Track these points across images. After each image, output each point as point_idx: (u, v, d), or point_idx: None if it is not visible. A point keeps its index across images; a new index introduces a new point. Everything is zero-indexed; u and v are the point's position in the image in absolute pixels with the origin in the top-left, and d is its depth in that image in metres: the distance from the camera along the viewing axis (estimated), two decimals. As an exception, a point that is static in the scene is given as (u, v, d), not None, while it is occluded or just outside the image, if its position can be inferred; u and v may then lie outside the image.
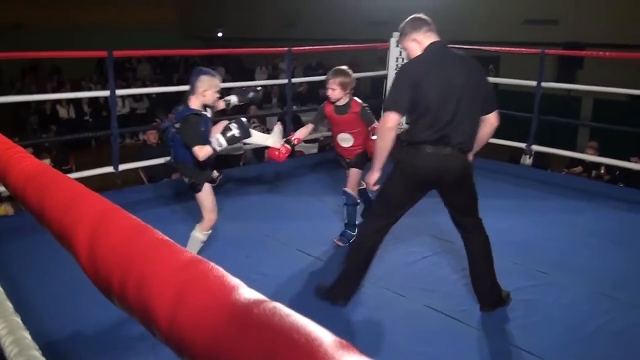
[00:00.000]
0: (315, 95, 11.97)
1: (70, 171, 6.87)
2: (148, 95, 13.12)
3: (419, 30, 3.01)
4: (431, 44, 2.97)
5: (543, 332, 3.02)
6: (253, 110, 9.43)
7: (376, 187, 3.14)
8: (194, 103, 3.33)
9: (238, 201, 5.04)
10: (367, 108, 4.02)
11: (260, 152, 7.56)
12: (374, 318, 3.15)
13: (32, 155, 0.75)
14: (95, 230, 0.41)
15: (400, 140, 3.06)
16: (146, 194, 5.18)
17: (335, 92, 3.90)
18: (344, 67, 3.97)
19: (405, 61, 3.01)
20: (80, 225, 0.42)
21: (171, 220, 4.38)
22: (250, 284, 0.38)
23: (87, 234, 0.41)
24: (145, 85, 14.39)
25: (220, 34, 18.82)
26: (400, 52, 6.89)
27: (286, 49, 6.15)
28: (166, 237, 0.40)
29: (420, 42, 3.00)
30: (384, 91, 7.10)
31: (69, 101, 12.53)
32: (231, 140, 3.22)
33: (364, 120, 3.98)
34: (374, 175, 3.09)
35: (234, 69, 16.03)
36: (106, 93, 5.15)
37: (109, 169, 5.03)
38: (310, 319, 0.34)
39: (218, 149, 3.23)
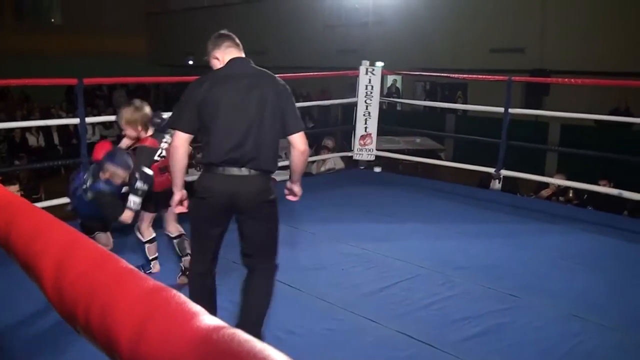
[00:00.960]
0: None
1: (39, 200, 6.77)
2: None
3: (219, 47, 2.92)
4: (230, 60, 2.87)
5: (515, 356, 3.04)
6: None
7: (178, 209, 2.92)
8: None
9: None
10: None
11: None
12: (346, 344, 3.13)
13: (0, 183, 0.75)
14: (61, 260, 0.41)
15: (196, 165, 2.99)
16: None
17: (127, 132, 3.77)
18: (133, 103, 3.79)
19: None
20: (46, 255, 0.42)
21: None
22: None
23: (53, 263, 0.41)
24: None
25: (191, 62, 18.83)
26: (370, 79, 6.99)
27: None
28: (130, 266, 0.40)
29: (220, 59, 2.90)
30: (354, 118, 7.16)
31: (39, 129, 12.38)
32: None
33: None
34: (175, 197, 2.87)
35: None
36: (76, 120, 5.11)
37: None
38: (269, 345, 0.35)
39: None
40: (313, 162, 8.11)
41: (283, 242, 4.61)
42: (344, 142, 9.92)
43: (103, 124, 13.15)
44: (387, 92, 13.82)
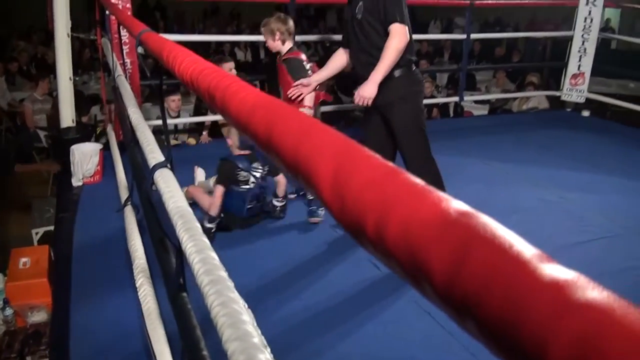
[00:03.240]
0: (490, 53, 11.39)
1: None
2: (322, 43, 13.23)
3: None
4: None
5: None
6: (424, 66, 9.22)
7: (366, 101, 3.08)
8: None
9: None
10: (294, 60, 3.66)
11: (429, 108, 7.40)
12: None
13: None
14: (340, 164, 0.38)
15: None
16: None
17: (268, 42, 3.74)
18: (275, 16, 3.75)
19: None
20: (320, 157, 0.40)
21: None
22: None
23: (331, 167, 0.39)
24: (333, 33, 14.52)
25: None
26: (590, 11, 6.32)
27: (468, 2, 5.87)
28: (422, 183, 0.36)
29: None
30: (567, 55, 6.57)
31: (247, 45, 13.05)
32: None
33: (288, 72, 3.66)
34: (374, 89, 3.04)
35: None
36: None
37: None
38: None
39: None
40: (515, 98, 7.67)
41: (475, 178, 4.54)
42: (550, 79, 9.21)
43: (306, 44, 13.47)
44: (602, 28, 12.45)
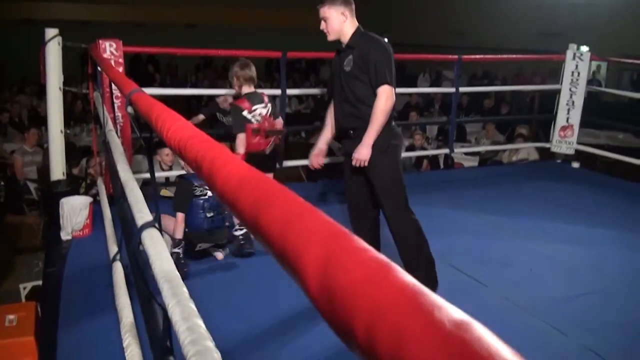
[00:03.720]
0: (479, 105, 11.55)
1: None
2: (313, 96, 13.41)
3: (351, 6, 3.21)
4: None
5: None
6: (414, 118, 9.32)
7: (363, 163, 3.13)
8: None
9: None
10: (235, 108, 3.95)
11: (419, 160, 7.44)
12: (527, 353, 2.92)
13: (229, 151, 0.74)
14: (329, 257, 0.37)
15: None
16: (307, 191, 5.29)
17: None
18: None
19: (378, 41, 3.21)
20: (309, 248, 0.38)
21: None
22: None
23: (319, 260, 0.37)
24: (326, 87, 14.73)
25: (386, 39, 18.84)
26: (577, 65, 6.44)
27: (456, 56, 5.98)
28: (415, 284, 0.34)
29: (347, 18, 3.19)
30: (555, 108, 6.65)
31: (239, 97, 13.14)
32: None
33: None
34: (368, 151, 3.09)
35: (397, 74, 15.95)
36: (277, 92, 5.33)
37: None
38: None
39: None
40: (505, 150, 7.73)
41: (467, 230, 4.52)
42: (539, 130, 9.31)
43: (298, 97, 13.62)
44: (589, 81, 12.68)
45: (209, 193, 3.60)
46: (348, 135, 3.33)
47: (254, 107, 3.88)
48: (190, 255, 3.69)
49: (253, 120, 3.85)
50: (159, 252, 1.32)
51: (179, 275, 1.26)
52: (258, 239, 0.52)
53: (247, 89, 3.95)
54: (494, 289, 3.52)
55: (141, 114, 1.41)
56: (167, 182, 5.61)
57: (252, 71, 3.97)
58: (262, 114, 3.92)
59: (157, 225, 1.48)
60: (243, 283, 3.56)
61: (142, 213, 1.58)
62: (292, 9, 20.18)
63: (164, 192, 5.52)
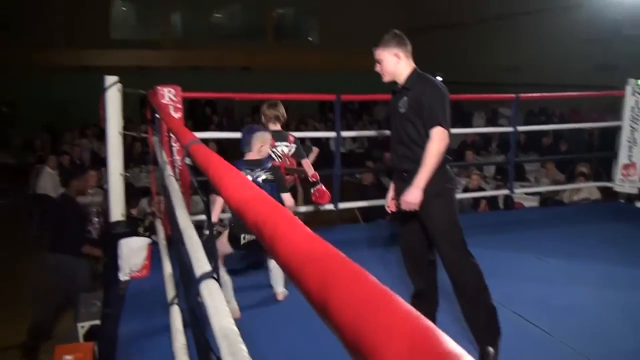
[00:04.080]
0: (537, 142, 11.29)
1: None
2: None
3: (405, 47, 3.18)
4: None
5: None
6: (470, 157, 9.18)
7: (413, 207, 3.05)
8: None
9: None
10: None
11: (476, 200, 7.28)
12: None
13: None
14: (413, 356, 0.33)
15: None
16: (363, 232, 5.24)
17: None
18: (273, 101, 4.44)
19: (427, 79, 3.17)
20: (388, 343, 0.35)
21: (388, 261, 4.36)
22: None
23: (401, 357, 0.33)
24: (380, 127, 14.80)
25: (440, 78, 18.79)
26: (636, 100, 6.23)
27: (514, 95, 5.87)
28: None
29: (401, 58, 3.16)
30: (616, 145, 6.43)
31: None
32: None
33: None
34: (419, 194, 3.01)
35: (453, 113, 15.82)
36: (332, 134, 5.35)
37: (329, 206, 5.17)
38: None
39: None
40: (565, 190, 7.50)
41: (529, 275, 4.35)
42: (600, 168, 9.01)
43: (353, 138, 13.70)
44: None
45: (259, 179, 3.62)
46: (402, 177, 3.27)
47: (276, 144, 4.18)
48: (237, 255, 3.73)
49: (274, 156, 4.15)
50: (217, 306, 1.30)
51: (237, 332, 1.23)
52: (325, 323, 0.48)
53: (272, 126, 4.30)
54: (560, 339, 3.36)
55: (199, 166, 1.41)
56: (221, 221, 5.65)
57: (278, 110, 4.35)
58: (283, 152, 4.25)
59: (215, 275, 1.46)
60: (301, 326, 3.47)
61: (200, 262, 1.57)
62: (346, 52, 20.48)
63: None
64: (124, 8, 22.10)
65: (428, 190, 3.04)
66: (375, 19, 18.88)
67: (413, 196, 3.02)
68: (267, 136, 3.67)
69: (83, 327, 4.84)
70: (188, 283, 1.85)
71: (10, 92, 18.41)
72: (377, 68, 3.20)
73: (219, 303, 1.31)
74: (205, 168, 1.22)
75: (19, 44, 18.30)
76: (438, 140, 3.02)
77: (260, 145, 3.60)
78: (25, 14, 18.59)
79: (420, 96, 3.08)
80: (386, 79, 3.22)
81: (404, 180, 3.20)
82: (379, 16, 19.42)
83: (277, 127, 4.32)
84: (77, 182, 6.09)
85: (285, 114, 4.52)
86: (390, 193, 3.41)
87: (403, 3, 22.01)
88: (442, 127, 3.03)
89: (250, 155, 3.62)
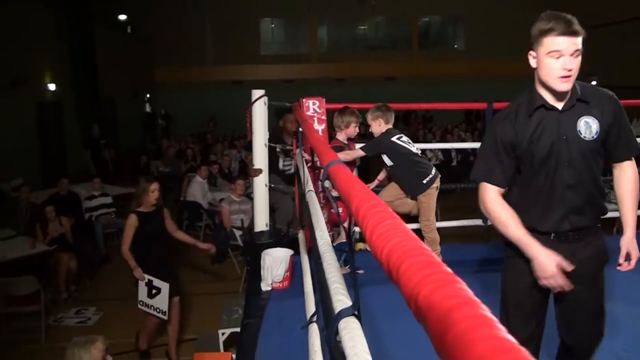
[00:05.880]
0: None
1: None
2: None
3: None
4: None
5: None
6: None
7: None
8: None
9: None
10: None
11: None
12: None
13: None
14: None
15: None
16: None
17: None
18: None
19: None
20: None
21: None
22: None
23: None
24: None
25: (594, 82, 17.50)
26: None
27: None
28: None
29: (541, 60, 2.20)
30: None
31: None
32: None
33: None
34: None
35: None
36: (476, 145, 5.08)
37: (477, 222, 4.88)
38: None
39: None
40: None
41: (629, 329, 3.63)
42: None
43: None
44: None
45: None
46: (565, 237, 2.29)
47: None
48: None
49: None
50: (356, 348, 1.18)
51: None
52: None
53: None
54: None
55: (338, 190, 1.30)
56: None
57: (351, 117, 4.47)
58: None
59: (356, 312, 1.34)
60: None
61: (339, 295, 1.46)
62: (492, 58, 19.76)
63: (359, 246, 5.47)
64: (272, 25, 23.06)
65: (605, 253, 2.33)
66: (522, 22, 17.95)
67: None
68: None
69: (224, 334, 4.97)
70: (327, 313, 1.75)
71: (166, 106, 20.08)
72: (570, 65, 2.12)
73: (359, 345, 1.19)
74: (347, 198, 1.11)
75: (175, 61, 19.92)
76: (636, 172, 2.28)
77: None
78: (180, 34, 20.13)
79: (609, 112, 2.21)
80: (570, 86, 2.18)
81: (569, 241, 2.28)
82: (526, 19, 18.47)
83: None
84: None
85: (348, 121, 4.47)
86: (554, 257, 2.11)
87: (549, 4, 20.88)
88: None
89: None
